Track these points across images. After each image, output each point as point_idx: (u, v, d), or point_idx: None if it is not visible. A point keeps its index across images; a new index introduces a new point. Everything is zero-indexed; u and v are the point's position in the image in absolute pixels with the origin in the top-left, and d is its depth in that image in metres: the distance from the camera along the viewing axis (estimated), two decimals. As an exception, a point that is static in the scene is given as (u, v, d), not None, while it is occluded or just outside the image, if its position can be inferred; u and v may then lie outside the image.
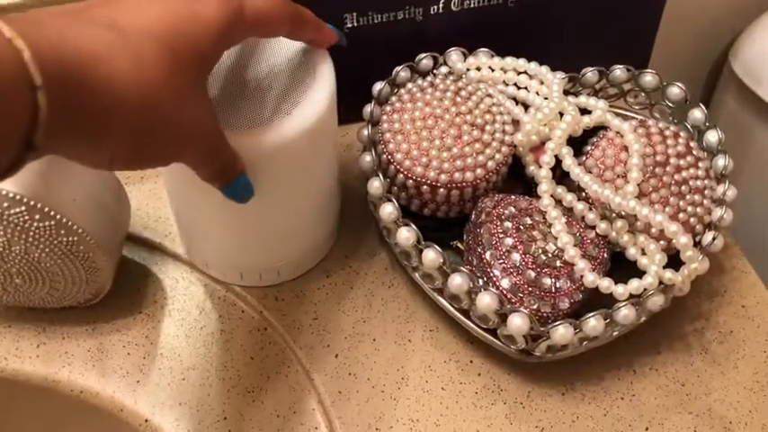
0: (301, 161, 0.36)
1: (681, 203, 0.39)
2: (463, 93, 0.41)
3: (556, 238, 0.37)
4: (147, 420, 0.38)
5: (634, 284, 0.36)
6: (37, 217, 0.34)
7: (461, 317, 0.38)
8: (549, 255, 0.37)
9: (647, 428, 0.38)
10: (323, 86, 0.35)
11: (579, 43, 0.50)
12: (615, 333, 0.38)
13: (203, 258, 0.42)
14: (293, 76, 0.36)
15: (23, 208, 0.34)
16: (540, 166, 0.39)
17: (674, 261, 0.38)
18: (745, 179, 0.68)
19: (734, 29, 0.65)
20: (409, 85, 0.42)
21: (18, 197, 0.33)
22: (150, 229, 0.45)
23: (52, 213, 0.34)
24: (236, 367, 0.40)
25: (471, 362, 0.40)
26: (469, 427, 0.38)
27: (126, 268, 0.43)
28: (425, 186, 0.40)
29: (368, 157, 0.41)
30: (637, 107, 0.46)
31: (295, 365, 0.40)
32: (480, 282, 0.37)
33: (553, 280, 0.36)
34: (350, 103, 0.44)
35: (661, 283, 0.37)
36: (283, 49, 0.37)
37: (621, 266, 0.39)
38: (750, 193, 0.68)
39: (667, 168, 0.39)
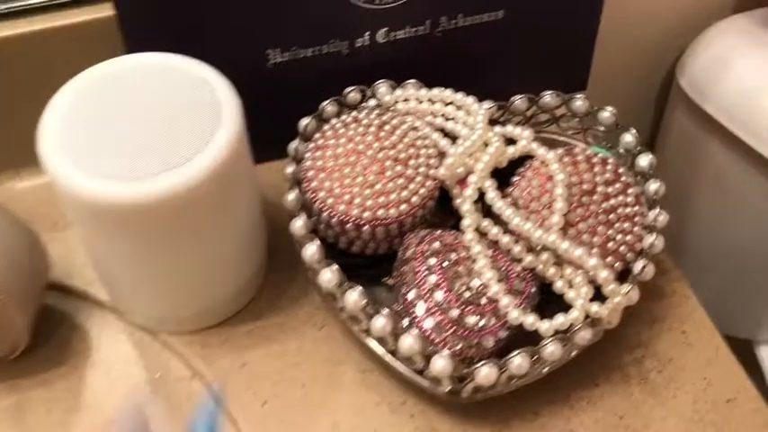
0: (208, 207, 0.35)
1: (609, 232, 0.38)
2: (387, 127, 0.40)
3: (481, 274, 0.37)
4: (66, 479, 0.37)
5: (560, 320, 0.35)
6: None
7: (391, 358, 0.37)
8: (474, 291, 0.36)
9: (584, 466, 0.37)
10: (227, 129, 0.35)
11: (512, 70, 0.49)
12: (545, 370, 0.37)
13: (123, 304, 0.41)
14: (195, 120, 0.35)
15: None
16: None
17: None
18: (698, 196, 0.68)
19: (681, 44, 0.65)
20: (333, 121, 0.41)
21: None
22: (75, 276, 0.43)
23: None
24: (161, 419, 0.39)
25: (404, 403, 0.39)
26: (401, 473, 0.36)
27: (49, 319, 0.41)
28: (350, 224, 0.39)
29: (292, 196, 0.40)
30: (570, 132, 0.46)
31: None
32: (406, 321, 0.36)
33: (477, 317, 0.35)
34: (279, 139, 0.43)
35: (589, 316, 0.36)
36: (183, 89, 0.36)
37: (555, 298, 0.38)
38: (702, 210, 0.68)
39: (594, 197, 0.39)
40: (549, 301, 0.38)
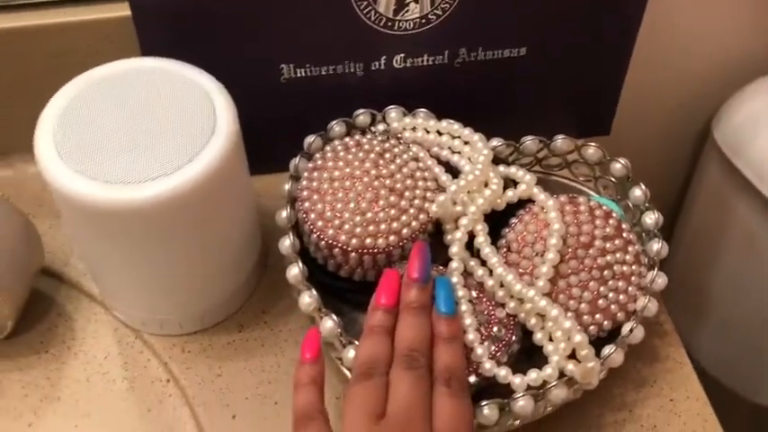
0: (198, 215, 0.35)
1: (601, 289, 0.37)
2: (388, 155, 0.40)
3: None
4: (30, 466, 0.37)
5: (532, 376, 0.34)
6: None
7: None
8: (451, 334, 0.35)
9: None
10: (221, 139, 0.35)
11: (532, 108, 0.48)
12: (516, 422, 0.35)
13: (109, 301, 0.42)
14: (190, 128, 0.35)
15: None
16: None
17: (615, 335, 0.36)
18: (727, 254, 0.65)
19: (721, 97, 0.63)
20: (336, 142, 0.41)
21: None
22: (71, 266, 0.44)
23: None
24: (131, 419, 0.39)
25: (371, 435, 0.38)
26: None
27: (39, 304, 0.42)
28: (337, 249, 0.38)
29: (284, 214, 0.39)
30: (582, 178, 0.45)
31: (190, 422, 0.39)
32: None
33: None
34: (289, 152, 0.43)
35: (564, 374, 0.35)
36: (182, 96, 0.36)
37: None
38: (731, 270, 0.65)
39: (590, 251, 0.37)
40: (534, 349, 0.37)
